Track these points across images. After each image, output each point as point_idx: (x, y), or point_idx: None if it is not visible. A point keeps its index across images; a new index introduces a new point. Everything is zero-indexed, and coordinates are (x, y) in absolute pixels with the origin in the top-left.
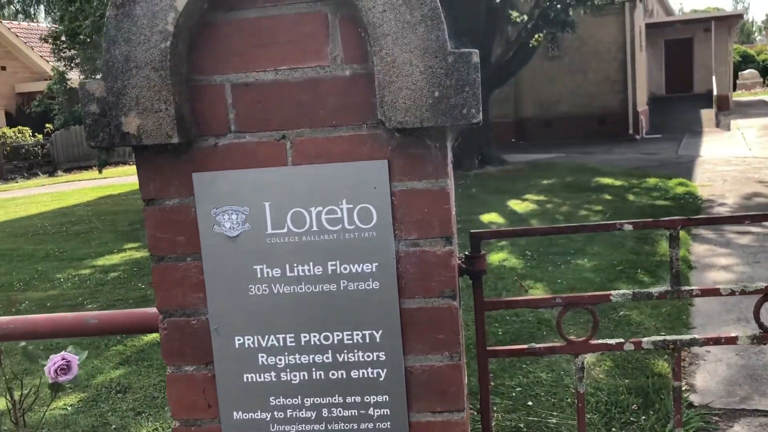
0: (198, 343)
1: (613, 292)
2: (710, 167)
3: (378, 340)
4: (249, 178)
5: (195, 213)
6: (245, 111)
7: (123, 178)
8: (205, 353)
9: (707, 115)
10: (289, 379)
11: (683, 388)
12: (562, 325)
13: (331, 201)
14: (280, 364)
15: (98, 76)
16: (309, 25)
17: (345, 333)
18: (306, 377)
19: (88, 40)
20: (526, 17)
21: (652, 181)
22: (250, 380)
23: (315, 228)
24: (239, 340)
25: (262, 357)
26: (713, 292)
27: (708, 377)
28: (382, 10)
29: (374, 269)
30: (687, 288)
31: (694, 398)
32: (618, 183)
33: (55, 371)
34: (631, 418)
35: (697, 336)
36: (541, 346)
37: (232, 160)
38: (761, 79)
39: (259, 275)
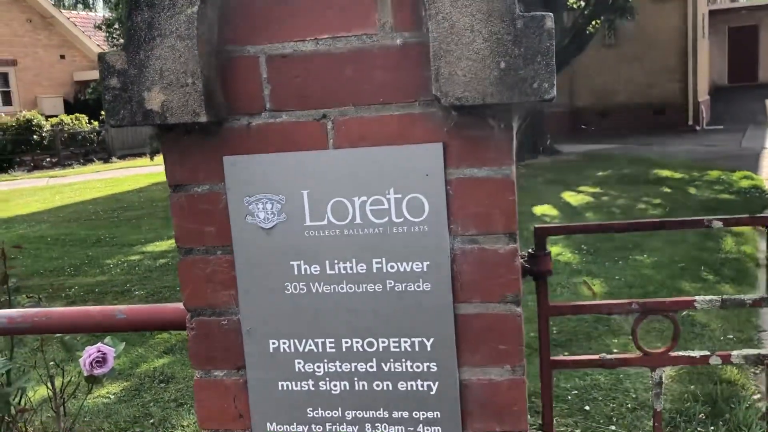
0: (229, 345)
1: (697, 298)
2: None
3: (429, 349)
4: (285, 162)
5: (226, 201)
6: (282, 86)
7: None
8: (236, 357)
9: None
10: (328, 388)
11: (755, 396)
12: (636, 332)
13: (377, 190)
14: (319, 372)
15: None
16: None
17: (392, 340)
18: (347, 387)
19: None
20: (583, 3)
21: (714, 173)
22: (285, 388)
23: (358, 220)
24: (274, 343)
25: (299, 363)
26: None
27: None
28: None
29: (425, 269)
30: None
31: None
32: (678, 175)
33: (90, 364)
34: (698, 429)
35: None
36: (613, 358)
37: (266, 142)
38: None
39: (296, 272)
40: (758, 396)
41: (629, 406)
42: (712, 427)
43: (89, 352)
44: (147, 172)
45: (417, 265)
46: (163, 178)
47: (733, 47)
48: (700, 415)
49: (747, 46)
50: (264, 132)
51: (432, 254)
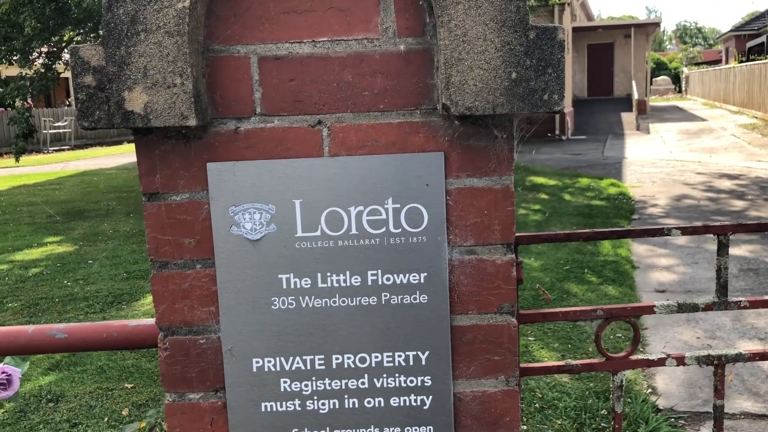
0: (206, 366)
1: (656, 303)
2: (637, 168)
3: (423, 363)
4: (276, 170)
5: (208, 211)
6: (274, 90)
7: (38, 167)
8: (214, 378)
9: (628, 118)
10: (316, 408)
11: (648, 391)
12: (600, 337)
13: (374, 200)
14: (307, 391)
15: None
16: None
17: (385, 354)
18: (337, 406)
19: (5, 18)
20: None
21: (584, 181)
22: (269, 410)
23: (354, 231)
24: (258, 362)
25: (285, 382)
26: (763, 304)
27: (669, 380)
28: None
29: (422, 280)
30: (735, 299)
31: (659, 402)
32: (552, 182)
33: None
34: (602, 424)
35: (742, 351)
36: (578, 363)
37: (255, 149)
38: (673, 86)
39: (284, 286)
40: (650, 391)
41: (537, 405)
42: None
43: None
44: (6, 174)
45: (414, 276)
46: (26, 180)
47: (592, 63)
48: (602, 411)
49: (604, 63)
50: (253, 137)
51: (430, 265)
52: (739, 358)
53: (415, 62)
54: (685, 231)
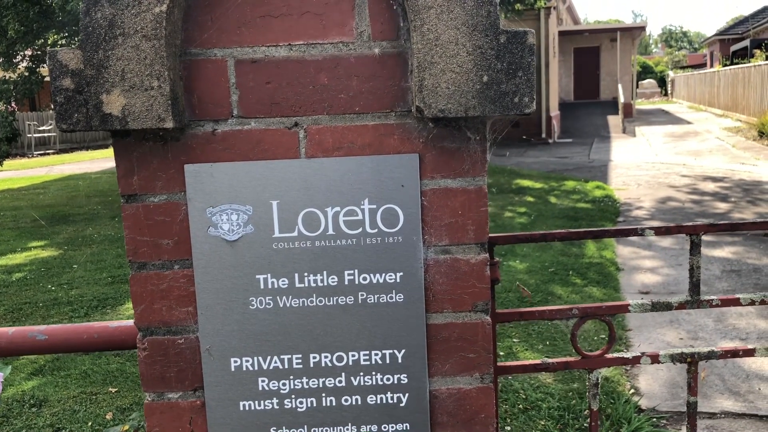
0: (185, 365)
1: (631, 302)
2: (623, 171)
3: (400, 361)
4: (253, 172)
5: (186, 212)
6: (251, 92)
7: (22, 171)
8: (193, 378)
9: (614, 121)
10: (294, 406)
11: (630, 392)
12: (575, 335)
13: (350, 200)
14: (284, 389)
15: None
16: None
17: (362, 353)
18: (314, 404)
19: None
20: None
21: (570, 184)
22: (247, 408)
23: (331, 231)
24: (236, 362)
25: (263, 381)
26: (733, 302)
27: (651, 380)
28: None
29: (398, 279)
30: (707, 298)
31: (642, 402)
32: (538, 185)
33: None
34: (585, 424)
35: (715, 349)
36: (554, 362)
37: (233, 151)
38: (659, 89)
39: (262, 286)
40: (632, 391)
41: (521, 406)
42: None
43: None
44: None
45: (390, 276)
46: (10, 185)
47: (579, 67)
48: (585, 412)
49: (590, 66)
50: (230, 139)
51: (405, 265)
52: (711, 355)
53: (390, 65)
54: (658, 231)
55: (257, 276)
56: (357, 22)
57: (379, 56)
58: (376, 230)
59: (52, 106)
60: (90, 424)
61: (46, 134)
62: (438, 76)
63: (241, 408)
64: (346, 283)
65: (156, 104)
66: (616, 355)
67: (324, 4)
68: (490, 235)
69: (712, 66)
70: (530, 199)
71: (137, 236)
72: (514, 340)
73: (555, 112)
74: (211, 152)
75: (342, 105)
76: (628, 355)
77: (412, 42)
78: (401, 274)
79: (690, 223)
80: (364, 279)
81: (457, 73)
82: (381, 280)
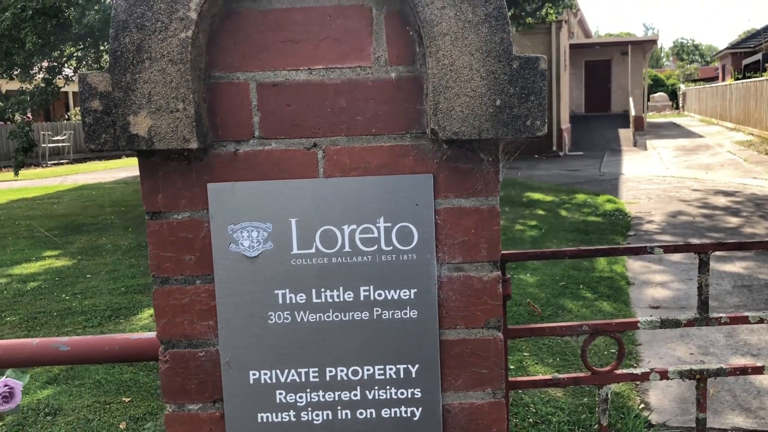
0: (205, 378)
1: (641, 319)
2: (634, 185)
3: (414, 375)
4: (273, 190)
5: (208, 229)
6: (272, 114)
7: (36, 181)
8: (213, 390)
9: (625, 134)
10: (310, 419)
11: (641, 406)
12: (586, 352)
13: (366, 219)
14: (301, 402)
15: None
16: (349, 20)
17: (377, 367)
18: (330, 417)
19: (7, 33)
20: None
21: (581, 197)
22: (265, 420)
23: (347, 248)
24: (254, 374)
25: (281, 394)
26: (742, 320)
27: (662, 395)
28: (441, 6)
29: (413, 296)
30: (716, 315)
31: (652, 417)
32: (549, 198)
33: None
34: None
35: (724, 366)
36: (565, 377)
37: (254, 170)
38: (670, 102)
39: (280, 301)
40: (642, 406)
41: (531, 420)
42: None
43: None
44: (5, 187)
45: (404, 292)
46: (25, 194)
47: (590, 80)
48: (595, 426)
49: (601, 79)
50: (252, 159)
51: (419, 282)
52: (720, 372)
53: (406, 89)
54: (667, 249)
55: (276, 291)
56: (375, 47)
57: (395, 80)
58: (391, 248)
59: (81, 126)
60: None
61: (60, 144)
62: (452, 99)
63: (259, 420)
64: (362, 298)
65: (181, 126)
66: (625, 371)
67: (343, 30)
68: (503, 252)
69: (724, 79)
70: (541, 212)
71: (161, 252)
72: (525, 353)
73: (566, 125)
74: (233, 171)
75: (359, 127)
76: (638, 371)
77: (428, 67)
78: (415, 290)
79: (698, 242)
80: (379, 295)
81: (471, 97)
82: (395, 297)
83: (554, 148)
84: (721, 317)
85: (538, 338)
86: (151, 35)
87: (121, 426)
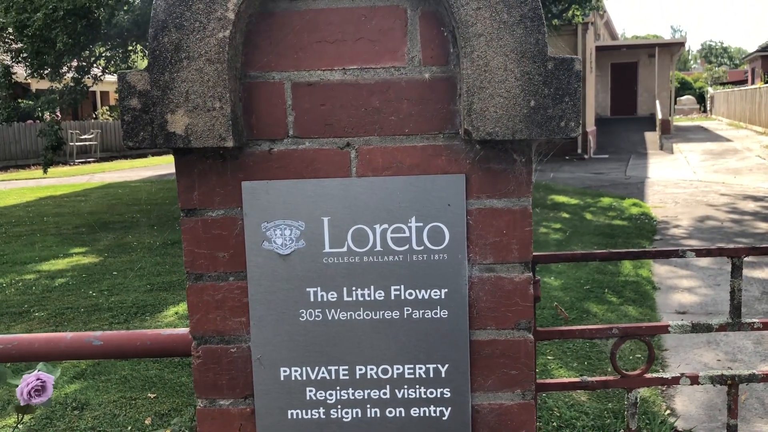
0: (237, 373)
1: (671, 323)
2: (660, 189)
3: (443, 375)
4: (306, 189)
5: (242, 227)
6: (306, 114)
7: (64, 179)
8: (244, 386)
9: (651, 137)
10: (340, 416)
11: (666, 412)
12: (615, 355)
13: (398, 218)
14: (331, 400)
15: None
16: (384, 21)
17: (406, 366)
18: (359, 415)
19: (38, 33)
20: None
21: (606, 200)
22: (295, 417)
23: (379, 248)
24: (285, 371)
25: (311, 391)
26: None
27: (688, 401)
28: (477, 8)
29: (443, 296)
30: (749, 321)
31: (678, 424)
32: (574, 201)
33: (29, 393)
34: None
35: (756, 372)
36: (593, 380)
37: (287, 169)
38: (698, 106)
39: (312, 299)
40: (668, 412)
41: (555, 424)
42: None
43: (27, 381)
44: (34, 185)
45: (435, 292)
46: (53, 192)
47: (616, 82)
48: (620, 431)
49: (627, 82)
50: (285, 158)
51: (450, 282)
52: (752, 378)
53: (439, 89)
54: (699, 253)
55: (308, 289)
56: (409, 47)
57: (429, 80)
58: (422, 247)
59: (94, 117)
60: (129, 428)
61: (87, 143)
62: (486, 100)
63: (289, 416)
64: (393, 298)
65: (218, 124)
66: (654, 375)
67: (377, 31)
68: (534, 253)
69: (753, 82)
70: (565, 215)
71: (195, 248)
72: (549, 357)
73: (591, 127)
74: (267, 170)
75: (392, 127)
76: (667, 375)
77: (462, 67)
78: (446, 290)
79: (731, 246)
80: (410, 294)
81: (505, 97)
82: (426, 296)
83: (579, 150)
84: (754, 322)
85: (563, 342)
86: (190, 35)
87: (146, 421)
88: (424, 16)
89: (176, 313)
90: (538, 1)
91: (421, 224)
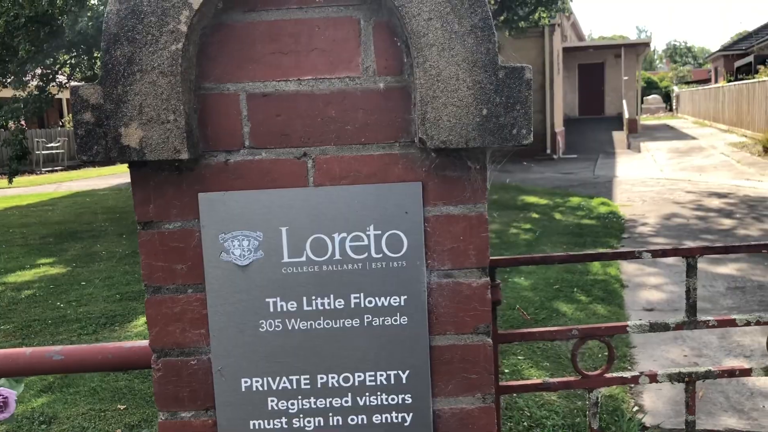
0: (197, 386)
1: (629, 323)
2: (627, 187)
3: (404, 381)
4: (264, 199)
5: (200, 238)
6: (262, 124)
7: (30, 188)
8: (205, 397)
9: (619, 137)
10: (302, 425)
11: (635, 409)
12: (576, 356)
13: (356, 227)
14: (293, 409)
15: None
16: (338, 31)
17: (367, 374)
18: (322, 423)
19: None
20: None
21: (575, 200)
22: (257, 427)
23: (338, 256)
24: (246, 382)
25: (272, 401)
26: (729, 323)
27: (655, 397)
28: (428, 18)
29: (402, 303)
30: (704, 319)
31: (646, 420)
32: (543, 201)
33: None
34: None
35: (712, 368)
36: (555, 381)
37: (244, 180)
38: (664, 105)
39: (271, 309)
40: (636, 408)
41: (525, 424)
42: None
43: None
44: (0, 195)
45: (395, 299)
46: (19, 202)
47: (583, 83)
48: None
49: (595, 82)
50: (242, 169)
51: (409, 288)
52: (709, 375)
53: (394, 99)
54: (655, 254)
55: (267, 299)
56: (363, 58)
57: (383, 90)
58: (381, 255)
59: (73, 138)
60: None
61: (54, 151)
62: (440, 109)
63: (251, 427)
64: (352, 306)
65: (172, 137)
66: (616, 374)
67: (331, 41)
68: (492, 258)
69: (716, 81)
70: (535, 215)
71: (153, 261)
72: (519, 357)
73: (559, 128)
74: (224, 181)
75: (348, 136)
76: (627, 374)
77: (415, 77)
78: (405, 297)
79: (693, 244)
80: (370, 302)
81: (458, 106)
82: (386, 303)
83: (548, 151)
84: (709, 320)
85: (533, 342)
86: (142, 48)
87: None
88: (378, 27)
89: (146, 322)
90: (489, 11)
91: (380, 232)
